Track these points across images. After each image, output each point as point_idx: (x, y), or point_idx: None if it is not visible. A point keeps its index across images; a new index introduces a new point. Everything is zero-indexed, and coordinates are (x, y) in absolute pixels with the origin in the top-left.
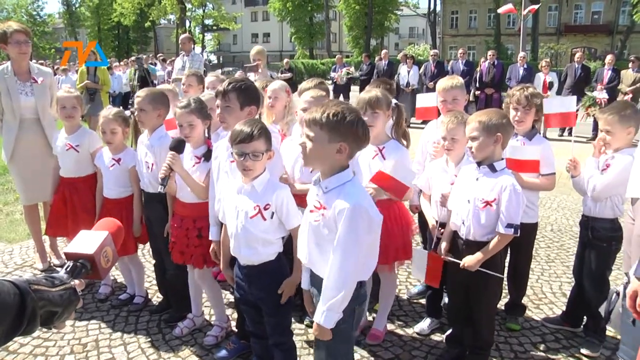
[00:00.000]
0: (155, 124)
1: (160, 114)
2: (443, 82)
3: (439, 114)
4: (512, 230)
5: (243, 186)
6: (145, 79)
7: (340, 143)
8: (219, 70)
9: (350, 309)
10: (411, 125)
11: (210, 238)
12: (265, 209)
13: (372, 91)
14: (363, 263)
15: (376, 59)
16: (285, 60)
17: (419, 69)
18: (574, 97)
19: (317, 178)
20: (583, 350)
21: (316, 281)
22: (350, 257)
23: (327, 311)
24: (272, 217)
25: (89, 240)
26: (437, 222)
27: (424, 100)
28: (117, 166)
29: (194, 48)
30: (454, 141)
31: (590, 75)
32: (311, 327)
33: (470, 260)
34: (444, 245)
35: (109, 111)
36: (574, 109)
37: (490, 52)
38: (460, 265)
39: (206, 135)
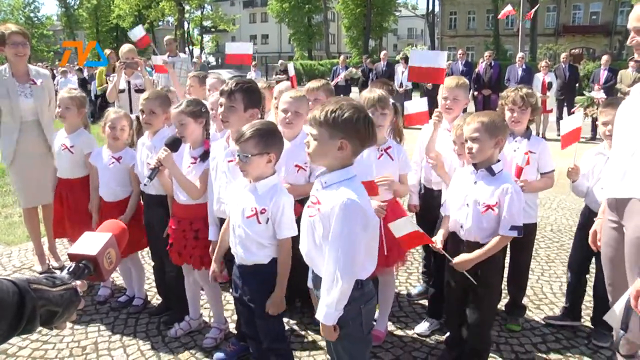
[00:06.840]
0: (160, 126)
1: (167, 116)
2: (448, 80)
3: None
4: (516, 232)
5: (248, 185)
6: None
7: (341, 140)
8: (217, 71)
9: (356, 308)
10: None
11: (209, 238)
12: (261, 212)
13: (377, 90)
14: (360, 261)
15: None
16: (280, 61)
17: None
18: (580, 114)
19: (321, 172)
20: (594, 342)
21: (317, 281)
22: (345, 252)
23: (325, 308)
24: (267, 223)
25: (92, 242)
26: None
27: (413, 107)
28: (117, 164)
29: (191, 50)
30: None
31: (578, 73)
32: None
33: (460, 260)
34: (439, 239)
35: (119, 109)
36: (581, 124)
37: (487, 53)
38: (451, 263)
39: (205, 136)
